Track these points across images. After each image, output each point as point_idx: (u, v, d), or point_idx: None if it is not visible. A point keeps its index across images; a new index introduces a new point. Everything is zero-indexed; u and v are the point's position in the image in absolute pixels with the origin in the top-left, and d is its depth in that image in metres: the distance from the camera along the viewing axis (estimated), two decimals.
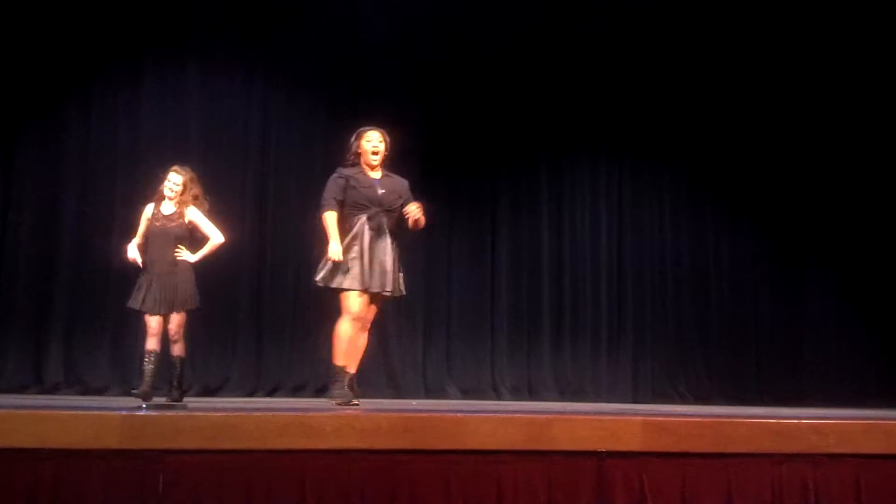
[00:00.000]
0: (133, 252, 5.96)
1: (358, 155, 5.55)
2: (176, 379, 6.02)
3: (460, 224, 8.58)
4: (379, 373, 8.18)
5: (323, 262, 5.38)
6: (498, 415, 3.52)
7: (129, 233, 6.18)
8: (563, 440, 3.35)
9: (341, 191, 5.42)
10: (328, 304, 8.10)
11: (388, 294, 5.38)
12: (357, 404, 5.12)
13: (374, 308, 5.45)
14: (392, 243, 5.41)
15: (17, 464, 3.04)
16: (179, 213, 6.03)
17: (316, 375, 8.06)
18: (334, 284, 5.31)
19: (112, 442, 3.07)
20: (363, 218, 5.36)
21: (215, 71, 8.30)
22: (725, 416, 4.21)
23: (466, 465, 3.27)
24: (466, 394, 8.18)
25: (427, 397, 7.99)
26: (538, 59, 8.69)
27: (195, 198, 6.09)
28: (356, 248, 5.30)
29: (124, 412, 3.23)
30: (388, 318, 8.29)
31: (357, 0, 8.46)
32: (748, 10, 8.73)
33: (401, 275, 5.48)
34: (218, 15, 8.24)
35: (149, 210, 6.06)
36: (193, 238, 6.07)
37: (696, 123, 8.80)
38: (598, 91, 8.76)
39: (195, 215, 6.06)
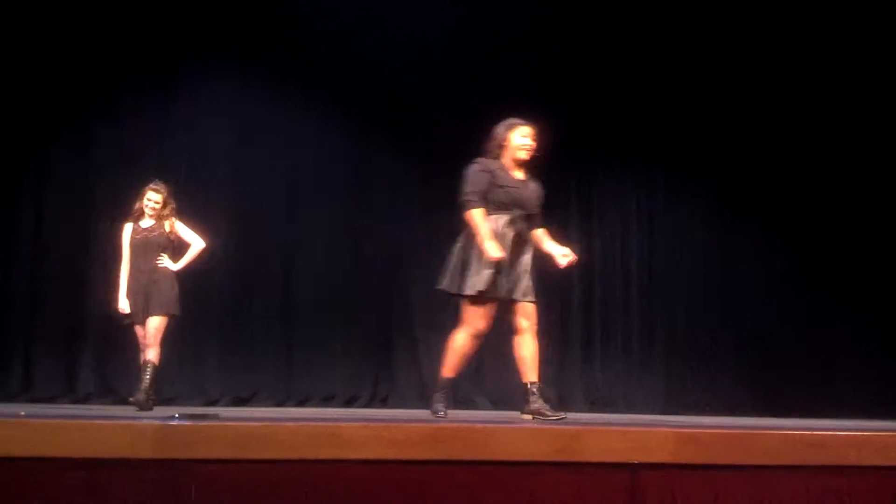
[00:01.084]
0: (124, 305, 6.13)
1: (503, 148, 4.90)
2: (143, 383, 5.97)
3: None
4: (409, 383, 8.21)
5: (452, 265, 4.81)
6: (528, 426, 3.51)
7: (183, 250, 6.30)
8: (594, 452, 3.32)
9: (485, 186, 4.78)
10: (361, 317, 8.22)
11: (530, 302, 4.80)
12: (444, 415, 4.67)
13: (528, 315, 4.83)
14: (531, 251, 4.89)
15: (50, 473, 3.06)
16: (160, 225, 6.21)
17: (346, 386, 8.10)
18: (467, 291, 4.70)
19: (144, 451, 3.09)
20: (503, 220, 4.76)
21: (245, 90, 8.41)
22: (758, 427, 4.16)
23: (497, 476, 3.26)
24: (496, 404, 8.16)
25: (457, 408, 7.98)
26: (565, 71, 8.68)
27: (173, 210, 6.29)
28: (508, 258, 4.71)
29: (157, 422, 3.25)
30: (421, 327, 8.33)
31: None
32: (784, 22, 8.66)
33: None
34: (251, 32, 8.35)
35: (128, 229, 6.24)
36: (175, 247, 6.25)
37: (726, 137, 8.73)
38: (627, 102, 8.74)
39: (177, 225, 6.26)
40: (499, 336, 8.29)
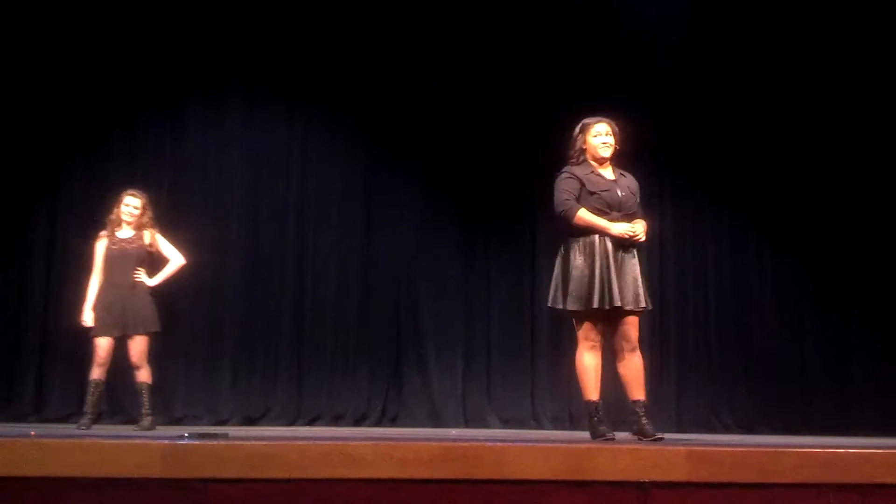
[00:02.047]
0: (88, 318, 5.97)
1: (583, 151, 4.79)
2: (145, 407, 5.95)
3: (500, 248, 8.57)
4: (419, 401, 8.19)
5: (555, 281, 4.72)
6: (539, 444, 3.49)
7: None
8: (606, 470, 3.30)
9: (576, 192, 4.67)
10: (370, 335, 8.23)
11: (641, 309, 4.64)
12: (612, 437, 4.50)
13: (632, 326, 4.68)
14: (635, 252, 4.70)
15: (62, 493, 3.07)
16: (138, 236, 6.04)
17: (355, 405, 8.09)
18: (571, 307, 4.61)
19: (155, 471, 3.09)
20: None
21: (256, 110, 8.47)
22: (771, 445, 4.13)
23: (507, 494, 3.24)
24: (507, 423, 8.14)
25: (467, 426, 7.96)
26: (573, 88, 8.69)
27: (152, 220, 6.13)
28: (598, 263, 4.57)
29: (166, 441, 3.25)
30: (430, 346, 8.31)
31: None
32: (801, 37, 8.67)
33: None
34: (259, 57, 8.42)
35: (100, 240, 6.07)
36: (152, 261, 6.08)
37: (739, 153, 8.69)
38: (637, 119, 8.71)
39: (156, 237, 6.09)
40: (513, 355, 8.38)
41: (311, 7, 8.43)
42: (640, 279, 4.65)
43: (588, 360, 4.65)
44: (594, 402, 4.65)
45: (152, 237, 6.08)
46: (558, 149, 8.32)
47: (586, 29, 8.68)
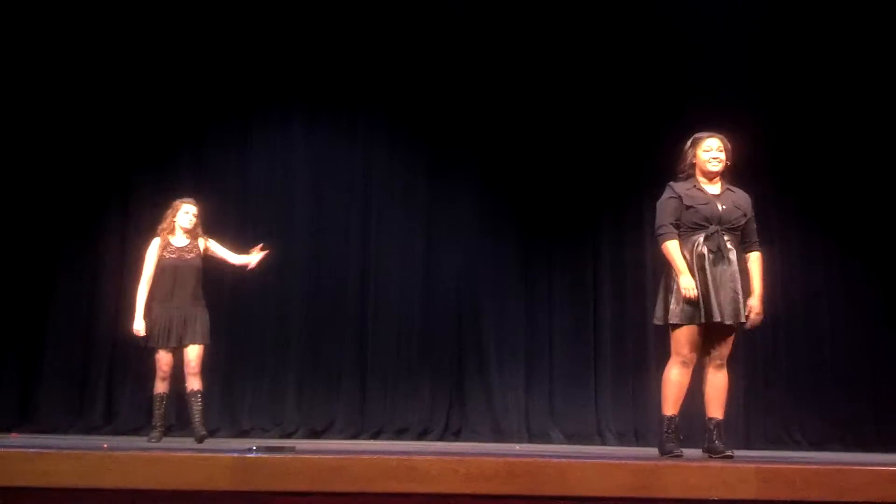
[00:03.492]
0: (140, 326, 5.91)
1: (693, 166, 4.82)
2: (200, 415, 5.93)
3: (562, 261, 8.53)
4: (482, 416, 8.17)
5: (660, 295, 4.72)
6: (605, 461, 3.45)
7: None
8: (674, 487, 3.26)
9: (677, 212, 4.70)
10: (432, 349, 8.25)
11: (740, 324, 4.59)
12: (680, 454, 4.51)
13: (725, 342, 4.64)
14: (737, 265, 4.63)
15: None
16: (194, 245, 6.02)
17: (419, 418, 8.11)
18: (672, 320, 4.60)
19: (223, 484, 3.13)
20: (700, 238, 4.63)
21: (320, 123, 8.58)
22: (843, 462, 4.04)
23: None
24: (570, 438, 8.06)
25: (530, 441, 7.91)
26: (637, 92, 8.62)
27: (203, 229, 6.12)
28: (696, 278, 4.56)
29: (235, 454, 3.29)
30: (492, 360, 8.29)
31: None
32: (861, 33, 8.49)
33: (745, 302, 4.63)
34: (320, 73, 8.55)
35: (154, 245, 5.98)
36: (205, 269, 6.06)
37: (807, 161, 8.51)
38: (703, 118, 8.60)
39: (211, 243, 6.09)
40: (576, 368, 8.30)
41: (373, 23, 8.51)
42: (741, 293, 4.58)
43: (674, 375, 4.61)
44: (669, 416, 4.62)
45: (206, 243, 6.08)
46: (623, 161, 8.41)
47: (659, 42, 8.59)
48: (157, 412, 5.93)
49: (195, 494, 3.13)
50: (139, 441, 6.08)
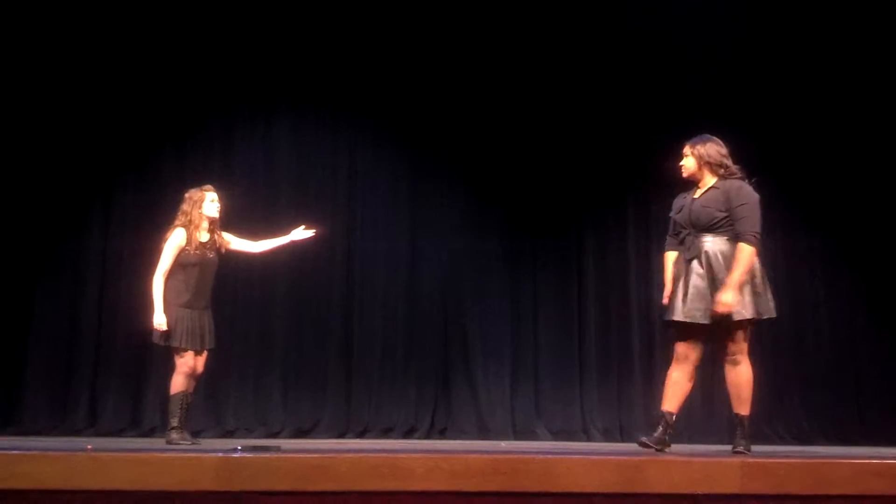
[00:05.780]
0: (162, 320, 5.42)
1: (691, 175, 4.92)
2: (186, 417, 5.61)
3: (546, 259, 8.55)
4: (467, 414, 8.18)
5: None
6: (589, 457, 3.47)
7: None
8: (658, 483, 3.27)
9: (673, 224, 4.87)
10: (418, 348, 8.25)
11: (736, 321, 4.55)
12: (660, 450, 4.64)
13: (727, 338, 4.63)
14: (722, 262, 4.59)
15: None
16: (213, 241, 5.61)
17: (404, 417, 8.11)
18: (669, 317, 4.72)
19: (208, 484, 3.12)
20: (678, 243, 4.79)
21: (304, 123, 8.58)
22: (826, 456, 4.06)
23: None
24: (556, 435, 8.09)
25: (516, 439, 7.93)
26: (620, 97, 8.65)
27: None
28: (680, 281, 4.68)
29: (220, 454, 3.29)
30: (478, 357, 8.31)
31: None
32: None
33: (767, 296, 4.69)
34: (304, 73, 8.53)
35: (180, 236, 5.50)
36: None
37: (791, 159, 8.54)
38: (686, 124, 8.63)
39: (228, 237, 5.73)
40: (561, 366, 8.33)
41: (357, 24, 8.50)
42: (706, 291, 4.59)
43: (670, 372, 4.80)
44: (662, 411, 4.79)
45: (222, 240, 5.68)
46: (608, 161, 8.42)
47: (643, 45, 8.60)
48: (180, 411, 5.46)
49: (180, 495, 3.12)
50: (123, 442, 6.04)
